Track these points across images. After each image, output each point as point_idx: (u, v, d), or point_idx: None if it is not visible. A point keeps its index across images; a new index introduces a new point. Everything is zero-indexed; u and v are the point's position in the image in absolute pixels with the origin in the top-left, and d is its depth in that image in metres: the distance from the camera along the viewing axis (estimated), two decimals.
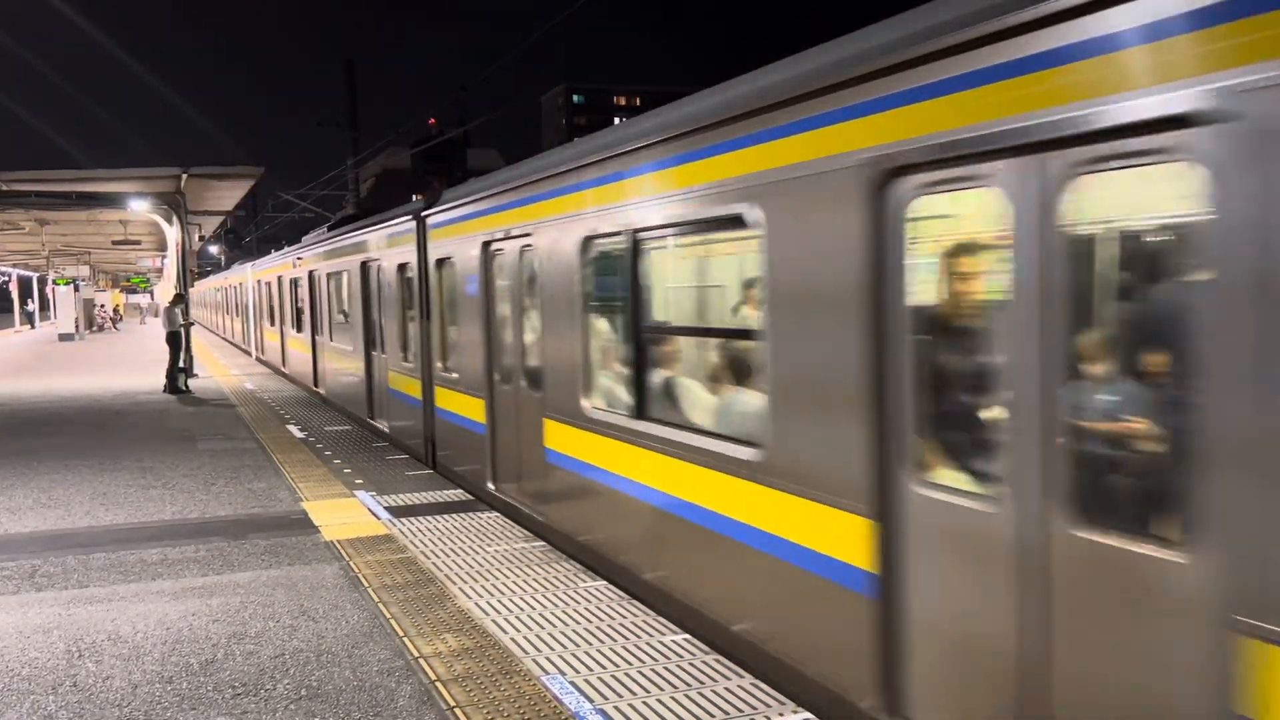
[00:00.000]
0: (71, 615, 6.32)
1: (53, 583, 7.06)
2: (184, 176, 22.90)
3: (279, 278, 24.07)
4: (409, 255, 11.76)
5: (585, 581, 6.69)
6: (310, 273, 19.18)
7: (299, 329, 21.19)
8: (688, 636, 5.57)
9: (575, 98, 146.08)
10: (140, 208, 24.32)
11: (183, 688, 5.13)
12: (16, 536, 8.44)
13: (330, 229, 18.41)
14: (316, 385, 19.08)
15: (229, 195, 27.98)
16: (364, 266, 14.21)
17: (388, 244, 12.80)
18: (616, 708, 4.69)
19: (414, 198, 15.61)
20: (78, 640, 5.86)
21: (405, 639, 5.69)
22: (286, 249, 24.26)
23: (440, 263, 10.74)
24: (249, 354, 30.06)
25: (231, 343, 34.30)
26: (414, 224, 11.45)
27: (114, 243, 35.63)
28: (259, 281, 28.69)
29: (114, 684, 5.20)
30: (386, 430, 13.45)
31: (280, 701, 4.92)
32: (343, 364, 16.24)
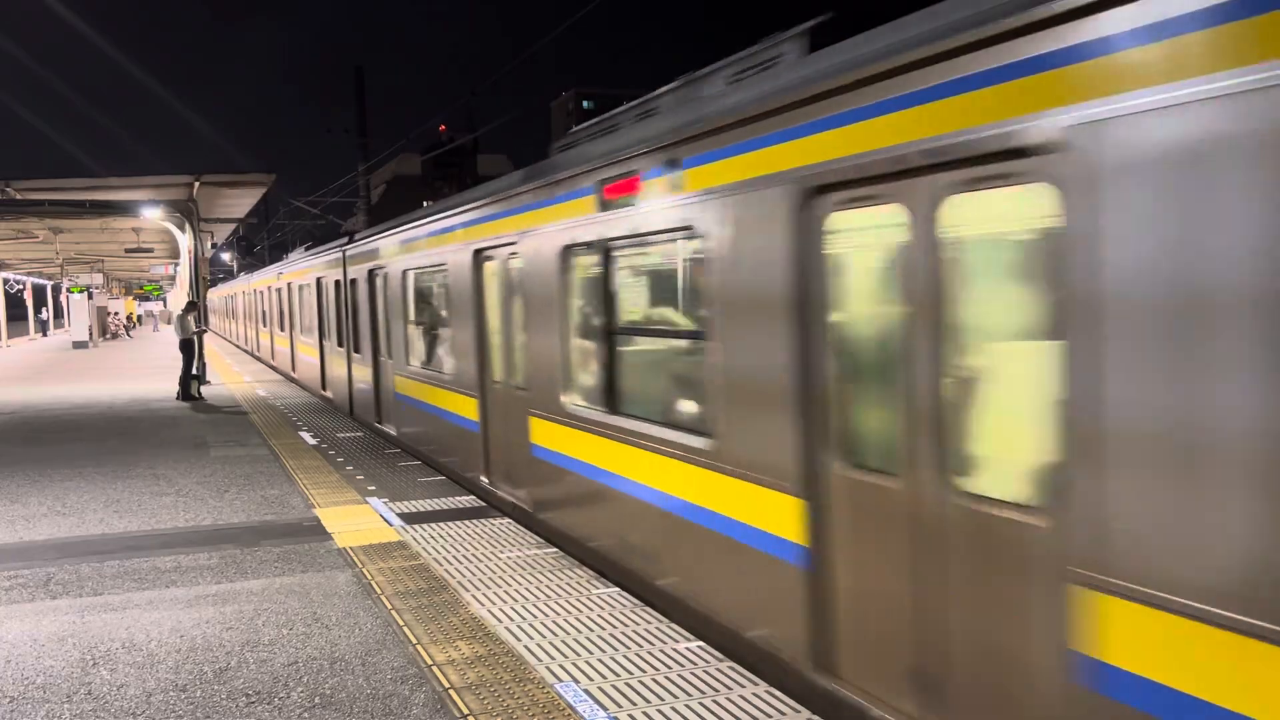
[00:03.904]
0: (86, 623, 6.34)
1: (67, 590, 7.08)
2: (196, 184, 23.05)
3: (318, 279, 20.09)
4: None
5: (598, 588, 6.67)
6: (370, 272, 14.64)
7: (336, 344, 17.68)
8: (701, 644, 5.55)
9: (584, 103, 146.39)
10: (153, 215, 24.45)
11: (196, 696, 5.13)
12: (31, 544, 8.47)
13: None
14: (381, 421, 14.79)
15: (241, 202, 28.13)
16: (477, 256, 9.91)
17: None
18: (630, 715, 4.67)
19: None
20: (92, 648, 5.88)
21: (418, 646, 5.69)
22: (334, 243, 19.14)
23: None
24: (282, 373, 27.05)
25: (264, 360, 33.53)
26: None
27: (127, 250, 35.84)
28: (291, 285, 24.23)
29: (128, 692, 5.21)
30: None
31: (294, 709, 4.91)
32: (420, 393, 12.35)
